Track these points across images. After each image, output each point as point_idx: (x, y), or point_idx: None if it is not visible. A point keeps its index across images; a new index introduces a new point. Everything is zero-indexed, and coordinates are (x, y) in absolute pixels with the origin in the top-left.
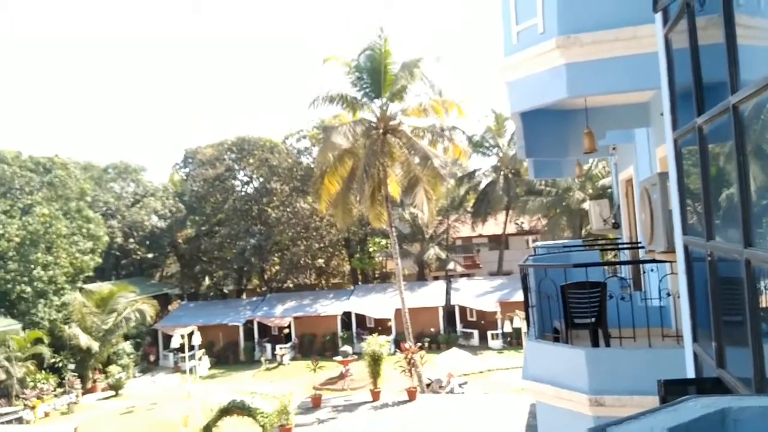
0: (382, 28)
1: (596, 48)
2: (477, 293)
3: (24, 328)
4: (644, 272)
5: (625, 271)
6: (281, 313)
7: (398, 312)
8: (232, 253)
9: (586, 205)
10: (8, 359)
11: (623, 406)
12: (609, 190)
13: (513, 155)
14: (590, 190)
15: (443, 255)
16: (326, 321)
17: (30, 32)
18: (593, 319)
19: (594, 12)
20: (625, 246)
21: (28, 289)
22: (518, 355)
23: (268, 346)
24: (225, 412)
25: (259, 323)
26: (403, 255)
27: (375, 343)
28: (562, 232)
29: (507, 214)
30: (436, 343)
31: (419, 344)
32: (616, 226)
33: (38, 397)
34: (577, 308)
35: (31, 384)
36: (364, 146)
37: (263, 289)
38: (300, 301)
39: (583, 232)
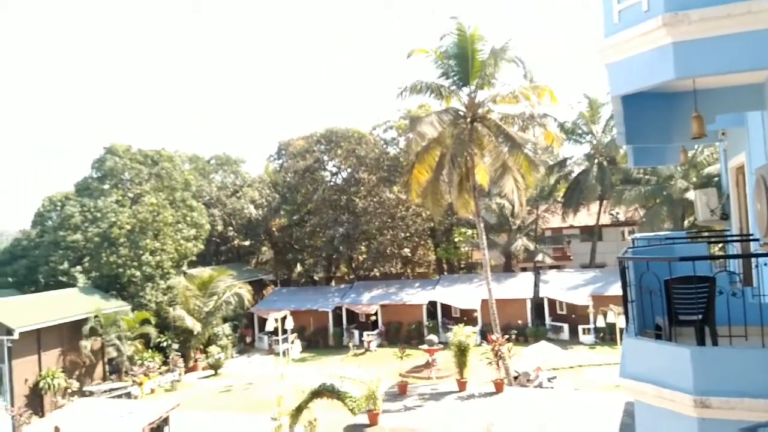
0: (467, 14)
1: (706, 25)
2: (567, 286)
3: (133, 310)
4: (757, 267)
5: (734, 266)
6: (368, 301)
7: (484, 303)
8: (322, 241)
9: (689, 195)
10: (119, 338)
11: (732, 409)
12: (716, 179)
13: (608, 142)
14: (694, 179)
15: (531, 246)
16: (412, 309)
17: (148, 31)
18: (700, 316)
19: None
20: (735, 238)
21: (137, 273)
22: (611, 352)
23: (356, 332)
24: (316, 394)
25: (347, 310)
26: (489, 245)
27: (461, 333)
28: (661, 224)
29: (601, 204)
30: (523, 336)
31: (506, 336)
32: (725, 217)
33: (145, 374)
34: (683, 304)
35: (139, 362)
36: (451, 135)
37: (351, 276)
38: (386, 290)
39: (686, 223)
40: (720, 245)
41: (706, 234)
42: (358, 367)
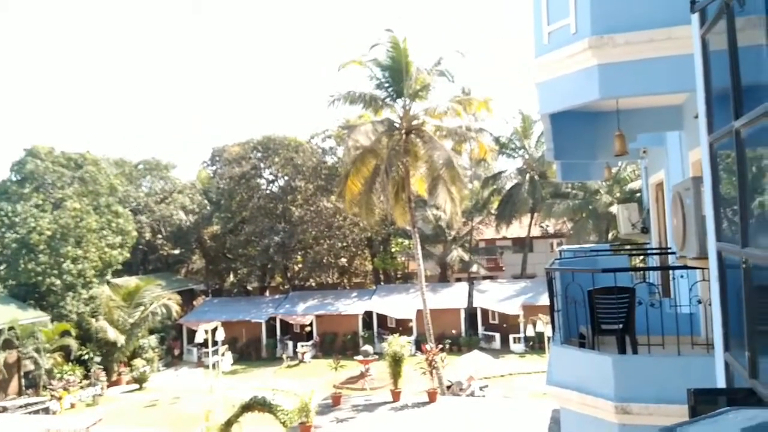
0: (400, 26)
1: (630, 49)
2: (500, 296)
3: (52, 320)
4: (674, 279)
5: (654, 277)
6: (303, 311)
7: (420, 313)
8: (257, 250)
9: (613, 209)
10: (37, 350)
11: (650, 414)
12: (638, 194)
13: (539, 157)
14: (618, 194)
15: (466, 257)
16: (348, 320)
17: (64, 28)
18: (621, 326)
19: (628, 12)
20: (654, 251)
21: (58, 281)
22: (540, 360)
23: (290, 343)
24: (246, 408)
25: (281, 321)
26: (425, 256)
27: (396, 343)
28: (588, 236)
29: (532, 217)
30: (457, 345)
31: (440, 346)
32: (645, 230)
33: (65, 389)
34: (605, 314)
35: (58, 375)
36: (387, 146)
37: (286, 287)
38: (322, 300)
39: (610, 236)
40: (641, 258)
41: (628, 247)
42: (291, 379)
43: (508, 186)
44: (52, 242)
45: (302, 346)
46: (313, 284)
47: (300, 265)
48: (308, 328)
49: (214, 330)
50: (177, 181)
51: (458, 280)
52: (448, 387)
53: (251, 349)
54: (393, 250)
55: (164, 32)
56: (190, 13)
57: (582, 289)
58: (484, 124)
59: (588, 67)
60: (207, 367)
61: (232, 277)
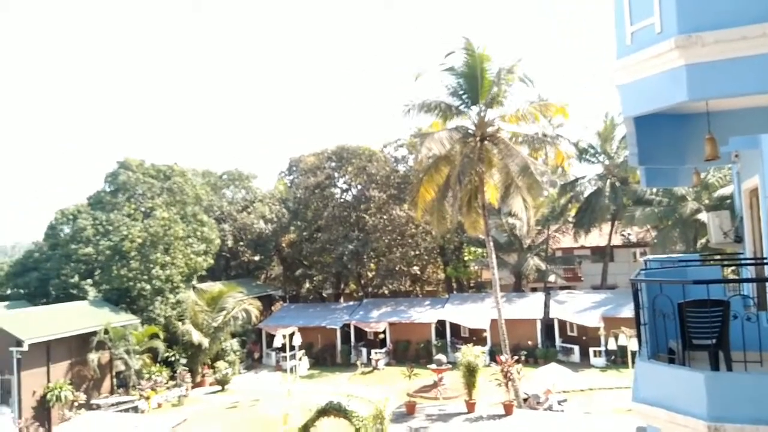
0: (475, 33)
1: (720, 47)
2: (578, 307)
3: (142, 323)
4: None
5: (748, 289)
6: (377, 318)
7: (494, 323)
8: (331, 258)
9: (701, 217)
10: (127, 352)
11: None
12: (728, 201)
13: (621, 162)
14: (706, 201)
15: (542, 266)
16: (420, 328)
17: (156, 49)
18: (714, 341)
19: (717, 9)
20: (749, 261)
21: (148, 286)
22: (622, 375)
23: (364, 350)
24: (322, 412)
25: (355, 327)
26: (499, 265)
27: (470, 353)
28: (673, 245)
29: (612, 225)
30: (533, 357)
31: (516, 357)
32: (738, 239)
33: (152, 389)
34: (697, 328)
35: (147, 376)
36: (460, 153)
37: (360, 293)
38: (395, 307)
39: (698, 245)
40: (733, 268)
41: (719, 257)
42: (365, 385)
43: (586, 193)
44: (142, 249)
45: (376, 353)
46: (386, 292)
47: (373, 273)
48: (381, 336)
49: (292, 335)
50: (257, 190)
51: (534, 290)
52: (525, 400)
53: (326, 354)
54: (466, 258)
55: (245, 49)
56: (271, 28)
57: (671, 302)
58: (563, 130)
59: (675, 68)
60: (285, 370)
61: (308, 284)
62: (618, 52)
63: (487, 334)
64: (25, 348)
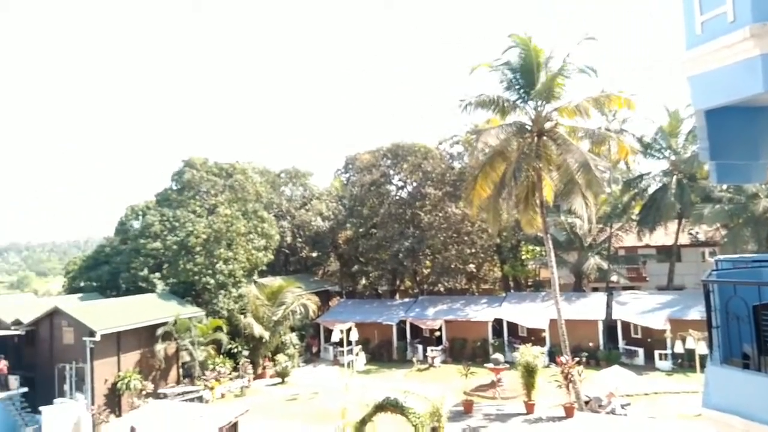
0: (532, 27)
1: None
2: (643, 308)
3: (207, 316)
4: None
5: None
6: (433, 316)
7: (553, 323)
8: (387, 254)
9: None
10: (192, 343)
11: None
12: None
13: (688, 158)
14: None
15: (604, 265)
16: (477, 326)
17: (219, 51)
18: None
19: None
20: None
21: (212, 280)
22: (690, 379)
23: (420, 347)
24: (380, 408)
25: (411, 324)
26: (558, 264)
27: (529, 353)
28: (744, 245)
29: (679, 224)
30: (595, 359)
31: (576, 359)
32: None
33: (216, 379)
34: None
35: (211, 367)
36: (517, 149)
37: (415, 290)
38: (451, 305)
39: None
40: None
41: None
42: (421, 382)
43: (651, 189)
44: (206, 245)
45: (432, 350)
46: (442, 289)
47: (429, 270)
48: (437, 333)
49: (349, 330)
50: (315, 188)
51: (595, 289)
52: (586, 403)
53: (383, 350)
54: (523, 256)
55: (301, 48)
56: (324, 28)
57: (746, 304)
58: (626, 124)
59: (749, 58)
60: (342, 365)
61: (364, 280)
62: (687, 43)
63: (546, 335)
64: (98, 338)
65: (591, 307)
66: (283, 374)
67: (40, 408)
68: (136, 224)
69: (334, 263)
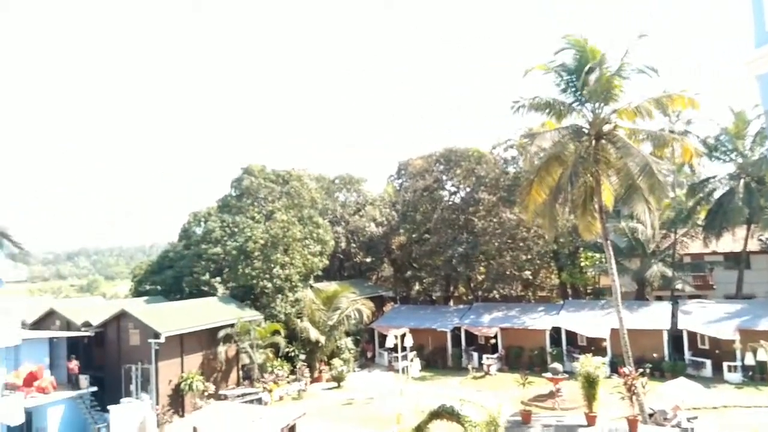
0: (587, 27)
1: None
2: (710, 318)
3: (265, 320)
4: None
5: None
6: (488, 323)
7: (614, 332)
8: (440, 260)
9: None
10: (251, 346)
11: None
12: None
13: (756, 160)
14: None
15: (668, 273)
16: (534, 335)
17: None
18: None
19: None
20: None
21: (269, 285)
22: (761, 393)
23: (475, 354)
24: (435, 415)
25: (466, 331)
26: (620, 271)
27: (589, 363)
28: None
29: (748, 229)
30: (659, 371)
31: (640, 370)
32: None
33: (274, 382)
34: None
35: (269, 369)
36: (574, 153)
37: (469, 297)
38: (507, 312)
39: None
40: None
41: None
42: (477, 390)
43: (717, 193)
44: (264, 250)
45: (488, 358)
46: (497, 296)
47: (483, 276)
48: (493, 340)
49: (403, 336)
50: (368, 194)
51: (658, 298)
52: (651, 415)
53: (438, 357)
54: (582, 263)
55: (354, 56)
56: (377, 35)
57: None
58: (690, 126)
59: None
60: (397, 371)
61: (417, 286)
62: (756, 41)
63: (607, 344)
64: (162, 340)
65: (654, 316)
66: (338, 378)
67: (108, 407)
68: (198, 230)
69: (387, 269)
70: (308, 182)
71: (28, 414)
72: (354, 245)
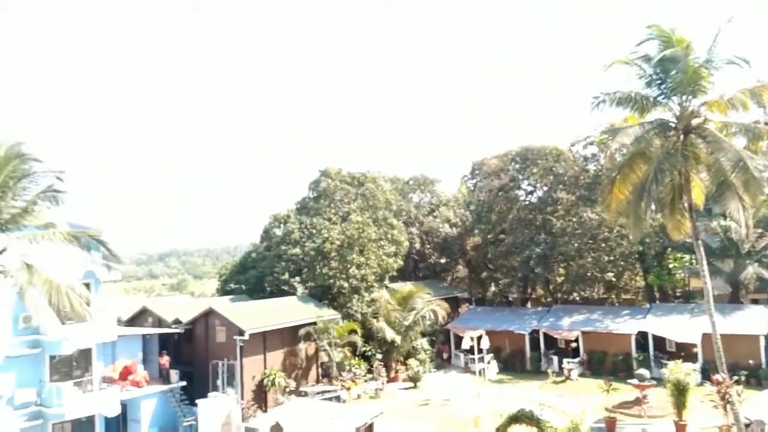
0: (674, 17)
1: None
2: None
3: (342, 319)
4: None
5: None
6: (568, 326)
7: (706, 337)
8: (517, 261)
9: None
10: (329, 344)
11: None
12: None
13: None
14: None
15: (765, 274)
16: (618, 339)
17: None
18: None
19: None
20: None
21: (346, 284)
22: None
23: (555, 358)
24: (514, 419)
25: (545, 334)
26: (712, 272)
27: (679, 370)
28: None
29: None
30: (755, 378)
31: (735, 377)
32: None
33: (352, 380)
34: None
35: (347, 368)
36: (659, 148)
37: (548, 299)
38: (588, 315)
39: None
40: None
41: None
42: (557, 395)
43: None
44: (340, 250)
45: (568, 362)
46: (577, 298)
47: (562, 278)
48: (574, 344)
49: (479, 338)
50: (442, 194)
51: (755, 301)
52: (747, 426)
53: (515, 360)
54: (670, 265)
55: (427, 58)
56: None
57: None
58: None
59: None
60: (474, 373)
61: (493, 287)
62: None
63: (698, 350)
64: (246, 337)
65: (750, 320)
66: (415, 379)
67: (197, 401)
68: (279, 232)
69: (462, 269)
70: (383, 184)
71: (123, 406)
72: (428, 246)
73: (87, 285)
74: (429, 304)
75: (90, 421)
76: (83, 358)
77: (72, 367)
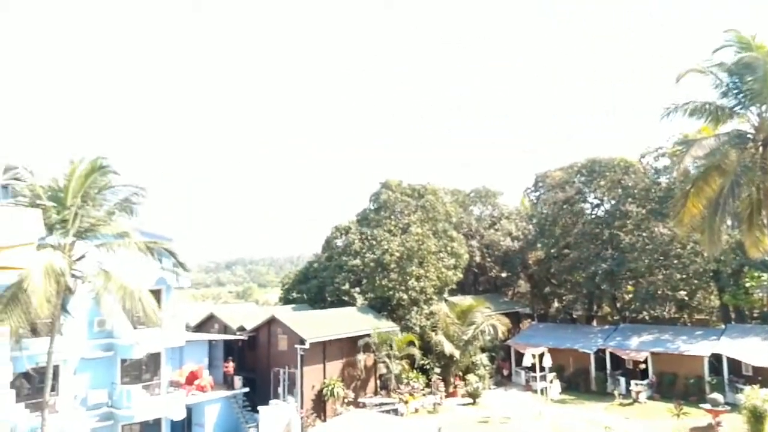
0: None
1: None
2: None
3: (401, 331)
4: None
5: None
6: (636, 346)
7: None
8: (582, 277)
9: None
10: (388, 356)
11: None
12: None
13: None
14: None
15: None
16: (690, 361)
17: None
18: None
19: None
20: None
21: (405, 296)
22: None
23: (622, 379)
24: None
25: (611, 354)
26: None
27: (756, 395)
28: None
29: None
30: None
31: None
32: None
33: (410, 393)
34: None
35: (405, 380)
36: (737, 161)
37: (615, 317)
38: (658, 336)
39: None
40: None
41: None
42: (624, 418)
43: None
44: (400, 262)
45: (636, 384)
46: (647, 317)
47: (631, 296)
48: (642, 365)
49: (542, 355)
50: (503, 207)
51: None
52: None
53: (579, 379)
54: (747, 284)
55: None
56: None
57: None
58: None
59: None
60: (535, 391)
61: (557, 303)
62: None
63: None
64: (307, 346)
65: None
66: (474, 395)
67: (259, 407)
68: (340, 242)
69: (524, 284)
70: (443, 196)
71: (189, 410)
72: (489, 259)
73: (158, 291)
74: (489, 319)
75: (157, 423)
76: (152, 362)
77: (142, 370)
